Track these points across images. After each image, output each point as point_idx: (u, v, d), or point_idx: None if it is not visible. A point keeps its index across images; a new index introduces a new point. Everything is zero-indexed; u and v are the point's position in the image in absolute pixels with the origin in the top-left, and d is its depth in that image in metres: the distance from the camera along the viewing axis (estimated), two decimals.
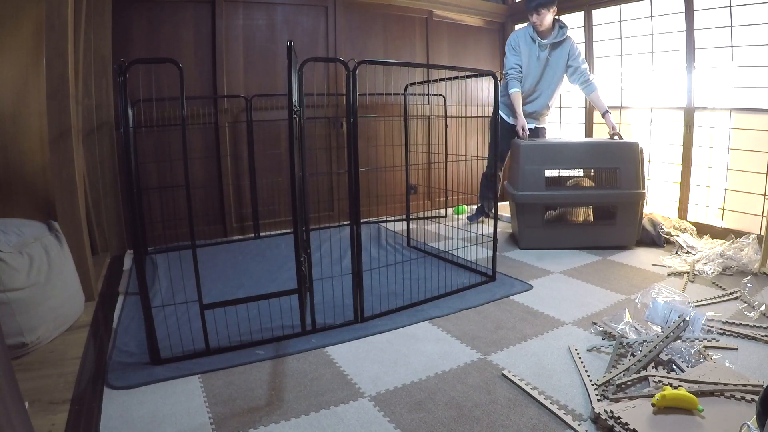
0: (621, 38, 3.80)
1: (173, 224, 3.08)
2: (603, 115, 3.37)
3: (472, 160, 4.25)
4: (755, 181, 3.08)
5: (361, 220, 2.12)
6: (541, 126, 3.67)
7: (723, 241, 3.07)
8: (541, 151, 3.12)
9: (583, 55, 3.47)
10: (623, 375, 1.62)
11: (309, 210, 2.31)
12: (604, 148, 3.15)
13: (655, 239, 3.24)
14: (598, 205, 3.32)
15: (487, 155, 3.87)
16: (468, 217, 4.04)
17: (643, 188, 3.13)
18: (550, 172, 3.19)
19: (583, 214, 3.39)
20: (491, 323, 2.13)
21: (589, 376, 1.67)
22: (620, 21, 3.78)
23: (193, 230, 1.77)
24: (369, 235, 3.56)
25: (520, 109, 3.44)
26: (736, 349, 1.84)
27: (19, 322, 1.82)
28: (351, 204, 2.08)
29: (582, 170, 3.41)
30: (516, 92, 3.43)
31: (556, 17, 3.41)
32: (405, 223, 3.52)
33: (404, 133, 3.29)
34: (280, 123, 3.68)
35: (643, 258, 2.99)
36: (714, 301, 2.31)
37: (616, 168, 3.09)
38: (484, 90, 4.62)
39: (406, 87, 3.32)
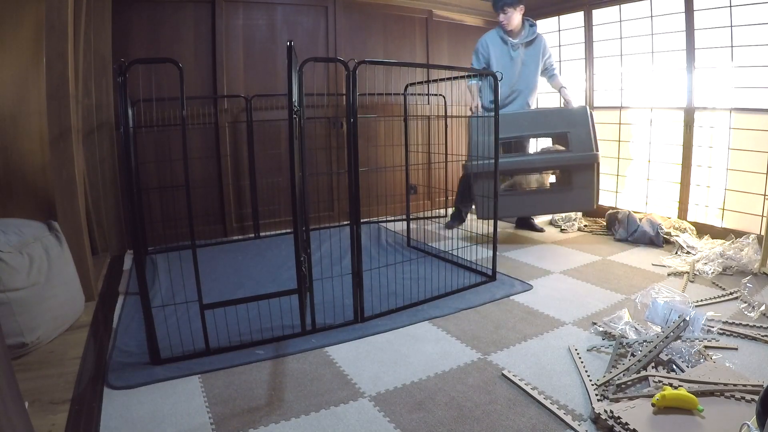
0: (621, 38, 3.80)
1: (173, 224, 3.08)
2: (559, 90, 3.51)
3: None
4: (755, 181, 3.08)
5: (361, 220, 2.12)
6: None
7: (723, 241, 3.07)
8: (490, 122, 3.16)
9: (550, 52, 3.57)
10: (623, 375, 1.62)
11: (309, 210, 2.31)
12: (553, 115, 3.22)
13: (654, 239, 3.24)
14: (551, 170, 3.36)
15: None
16: (446, 224, 3.90)
17: (596, 150, 3.17)
18: (502, 141, 3.23)
19: (536, 181, 3.40)
20: (491, 323, 2.13)
21: (589, 376, 1.67)
22: (620, 21, 3.78)
23: (193, 230, 1.77)
24: (369, 235, 3.56)
25: (477, 95, 3.50)
26: (736, 349, 1.84)
27: (19, 322, 1.82)
28: (351, 204, 2.09)
29: (538, 139, 3.45)
30: (473, 84, 3.51)
31: (526, 17, 3.45)
32: (405, 223, 3.52)
33: (404, 133, 3.29)
34: (280, 123, 3.68)
35: (643, 258, 2.99)
36: (714, 301, 2.31)
37: (566, 132, 3.15)
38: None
39: (406, 87, 3.32)
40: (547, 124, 3.22)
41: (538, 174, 3.39)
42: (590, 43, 4.02)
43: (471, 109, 3.50)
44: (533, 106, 3.67)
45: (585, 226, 3.79)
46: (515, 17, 3.34)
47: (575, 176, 3.19)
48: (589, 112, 3.19)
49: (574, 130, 3.14)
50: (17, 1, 2.58)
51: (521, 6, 3.34)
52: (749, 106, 3.10)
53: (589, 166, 3.16)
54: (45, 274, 1.96)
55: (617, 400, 1.50)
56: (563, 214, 3.93)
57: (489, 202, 3.16)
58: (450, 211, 4.34)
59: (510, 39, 3.42)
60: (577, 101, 3.71)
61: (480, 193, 3.20)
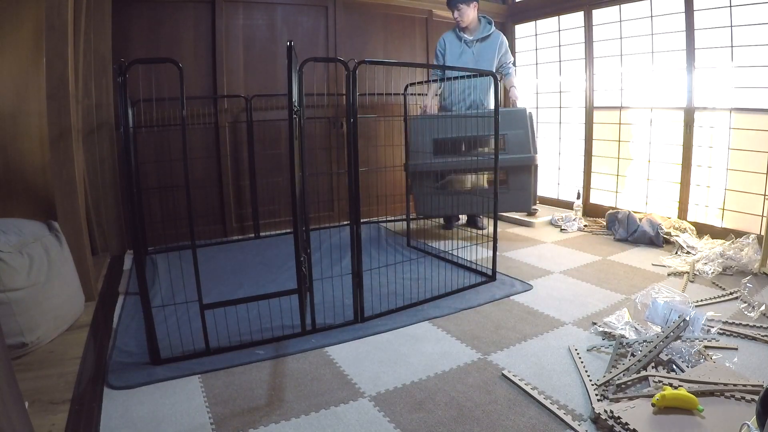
0: (621, 38, 3.80)
1: (173, 224, 3.09)
2: (509, 89, 3.54)
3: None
4: (755, 181, 3.08)
5: (361, 220, 2.12)
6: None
7: (723, 241, 3.07)
8: (429, 123, 3.19)
9: (508, 51, 3.56)
10: (623, 375, 1.62)
11: (309, 210, 2.31)
12: (490, 116, 3.18)
13: (654, 239, 3.24)
14: (488, 171, 3.33)
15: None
16: (443, 226, 3.90)
17: (534, 153, 3.17)
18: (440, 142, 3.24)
19: (471, 182, 3.38)
20: (491, 323, 2.13)
21: (589, 376, 1.67)
22: (620, 21, 3.78)
23: (193, 230, 1.77)
24: (369, 235, 3.56)
25: (431, 95, 3.54)
26: (736, 349, 1.84)
27: (19, 322, 1.82)
28: (351, 204, 2.09)
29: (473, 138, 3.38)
30: (434, 84, 3.56)
31: (483, 15, 3.53)
32: (405, 223, 3.52)
33: (404, 133, 3.29)
34: (280, 123, 3.68)
35: (643, 258, 2.99)
36: (714, 301, 2.31)
37: (503, 134, 3.15)
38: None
39: (406, 87, 3.32)
40: (484, 125, 3.17)
41: (473, 175, 3.35)
42: (590, 43, 4.02)
43: (421, 107, 3.49)
44: (491, 101, 3.58)
45: (585, 226, 3.79)
46: (469, 14, 3.39)
47: (512, 178, 3.21)
48: (528, 114, 3.18)
49: (512, 132, 3.15)
50: (17, 1, 2.58)
51: (475, 3, 3.39)
52: (749, 106, 3.10)
53: (526, 168, 3.17)
54: (45, 274, 1.96)
55: (617, 400, 1.50)
56: (563, 214, 3.94)
57: (427, 199, 3.24)
58: None
59: (465, 36, 3.48)
60: (524, 102, 3.69)
61: (418, 192, 3.25)
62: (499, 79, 3.44)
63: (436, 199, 3.25)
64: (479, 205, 3.22)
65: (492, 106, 3.56)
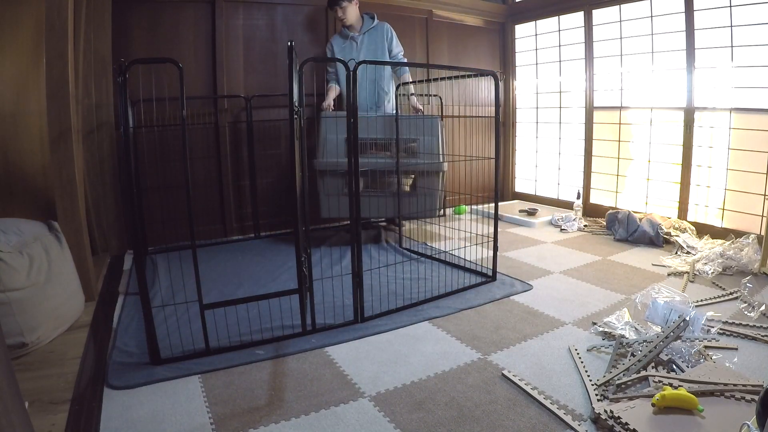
0: (621, 38, 3.80)
1: (173, 224, 3.08)
2: (409, 97, 3.52)
3: (472, 160, 4.25)
4: (755, 181, 3.08)
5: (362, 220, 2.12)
6: (390, 112, 3.55)
7: (723, 241, 3.07)
8: (341, 121, 3.11)
9: (397, 41, 3.55)
10: (623, 375, 1.62)
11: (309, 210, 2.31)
12: (405, 121, 3.20)
13: (654, 239, 3.24)
14: (399, 174, 3.26)
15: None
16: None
17: (443, 161, 3.20)
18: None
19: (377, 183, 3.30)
20: (491, 323, 2.13)
21: (589, 376, 1.67)
22: (620, 21, 3.78)
23: (193, 230, 1.77)
24: (369, 235, 3.55)
25: (330, 95, 3.50)
26: (736, 349, 1.84)
27: (19, 322, 1.82)
28: (350, 204, 2.09)
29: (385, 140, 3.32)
30: (330, 86, 3.54)
31: (367, 12, 3.57)
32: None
33: (395, 132, 3.29)
34: (280, 123, 3.68)
35: (643, 258, 2.99)
36: (714, 301, 2.31)
37: (415, 139, 3.16)
38: (484, 90, 4.62)
39: (398, 86, 3.33)
40: (399, 129, 3.16)
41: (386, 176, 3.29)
42: (590, 43, 4.02)
43: (323, 107, 3.45)
44: (391, 94, 3.57)
45: (585, 226, 3.80)
46: (351, 11, 3.42)
47: (420, 183, 3.22)
48: (440, 123, 3.20)
49: (423, 138, 3.16)
50: (17, 1, 2.58)
51: (356, 0, 3.43)
52: (749, 106, 3.10)
53: (435, 174, 3.18)
54: (45, 274, 1.96)
55: (617, 400, 1.50)
56: (563, 214, 3.94)
57: (333, 200, 3.13)
58: (450, 210, 4.35)
59: (351, 33, 3.51)
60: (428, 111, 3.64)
61: (326, 192, 3.16)
62: (398, 78, 3.48)
63: (346, 200, 3.19)
64: (389, 208, 3.20)
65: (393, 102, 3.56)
